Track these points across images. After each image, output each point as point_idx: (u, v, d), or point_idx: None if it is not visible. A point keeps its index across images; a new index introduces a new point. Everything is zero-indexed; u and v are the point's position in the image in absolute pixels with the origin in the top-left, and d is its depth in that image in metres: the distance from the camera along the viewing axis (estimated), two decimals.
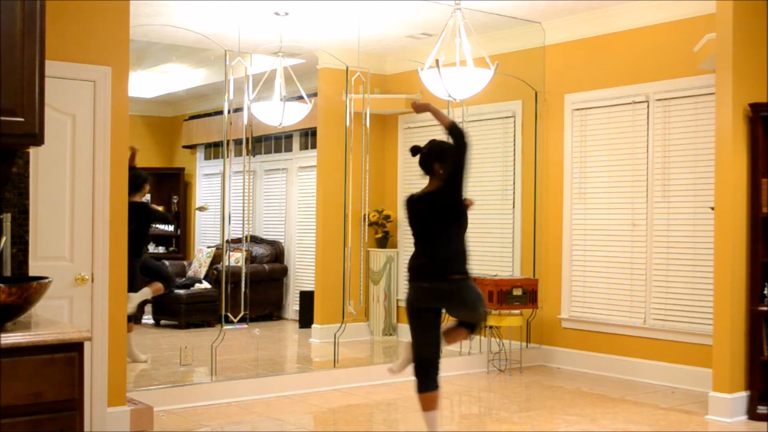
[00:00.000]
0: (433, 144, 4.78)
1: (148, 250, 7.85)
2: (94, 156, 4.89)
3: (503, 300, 7.12)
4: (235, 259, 8.58)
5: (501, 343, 7.47)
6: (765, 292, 5.81)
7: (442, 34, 6.15)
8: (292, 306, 10.10)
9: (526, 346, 7.75)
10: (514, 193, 8.01)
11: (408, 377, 7.10)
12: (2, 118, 2.87)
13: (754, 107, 5.78)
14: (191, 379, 6.80)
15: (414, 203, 4.74)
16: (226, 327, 6.80)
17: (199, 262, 10.18)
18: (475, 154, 8.19)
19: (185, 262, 10.55)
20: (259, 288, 9.17)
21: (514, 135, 8.02)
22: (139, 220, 7.03)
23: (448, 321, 4.84)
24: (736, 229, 5.76)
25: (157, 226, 9.66)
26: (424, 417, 4.81)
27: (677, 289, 6.84)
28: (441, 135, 4.81)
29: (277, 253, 10.24)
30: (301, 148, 10.28)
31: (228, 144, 6.89)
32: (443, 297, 4.63)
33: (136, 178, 7.00)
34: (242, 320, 7.00)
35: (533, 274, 7.78)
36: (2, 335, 2.56)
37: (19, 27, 2.91)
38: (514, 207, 8.01)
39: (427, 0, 6.96)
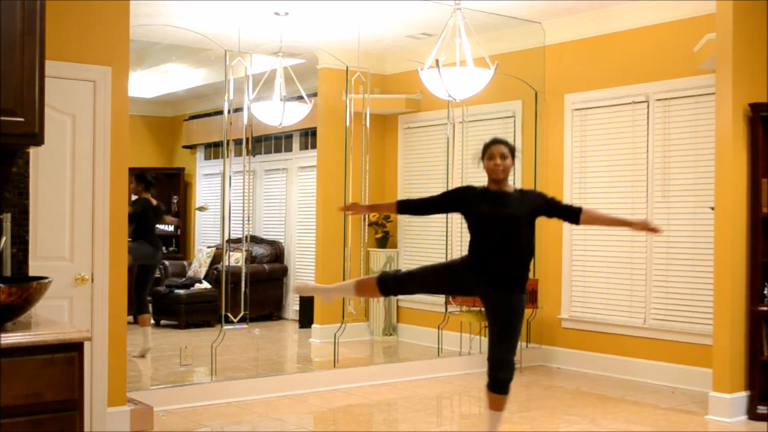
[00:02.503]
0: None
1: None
2: (94, 156, 4.89)
3: None
4: (235, 259, 8.58)
5: None
6: (765, 292, 5.81)
7: (442, 34, 6.15)
8: (292, 306, 10.09)
9: (526, 346, 7.74)
10: None
11: (405, 377, 7.13)
12: (2, 118, 2.87)
13: (754, 107, 5.78)
14: (191, 379, 6.81)
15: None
16: (226, 327, 6.80)
17: (199, 262, 10.19)
18: (474, 154, 8.23)
19: (185, 262, 10.55)
20: (259, 288, 9.17)
21: (514, 135, 8.01)
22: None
23: None
24: (736, 229, 5.76)
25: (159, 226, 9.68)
26: None
27: (677, 289, 6.84)
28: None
29: (277, 253, 10.24)
30: (301, 148, 10.28)
31: (228, 144, 6.89)
32: None
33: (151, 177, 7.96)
34: (242, 320, 7.00)
35: (533, 274, 7.77)
36: (2, 335, 2.56)
37: (19, 27, 2.91)
38: None
39: (427, 0, 6.96)
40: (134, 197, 7.80)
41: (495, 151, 4.66)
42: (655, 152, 7.00)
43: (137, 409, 5.23)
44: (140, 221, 7.71)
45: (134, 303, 7.70)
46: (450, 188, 4.69)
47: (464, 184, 4.72)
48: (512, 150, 4.70)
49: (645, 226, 4.69)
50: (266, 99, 7.99)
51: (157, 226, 8.25)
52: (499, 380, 4.62)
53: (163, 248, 10.37)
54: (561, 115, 7.73)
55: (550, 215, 4.68)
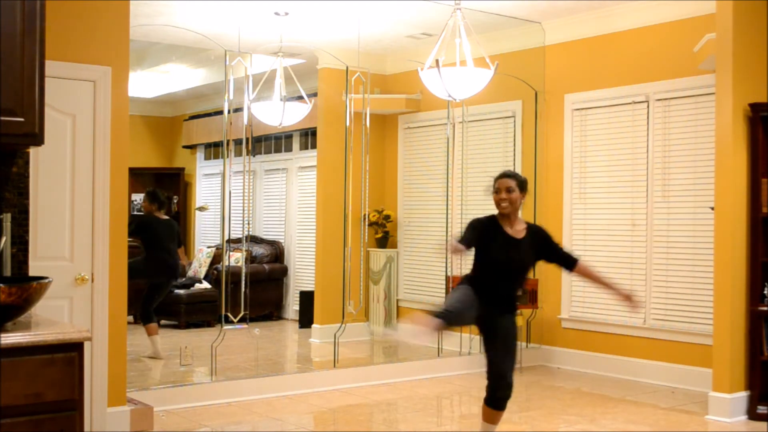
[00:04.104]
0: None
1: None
2: (94, 156, 4.89)
3: None
4: (235, 259, 8.58)
5: None
6: (765, 292, 5.81)
7: (442, 34, 6.14)
8: (292, 306, 10.09)
9: (526, 346, 7.74)
10: None
11: (405, 377, 7.13)
12: (2, 118, 2.87)
13: (754, 107, 5.78)
14: (191, 379, 6.80)
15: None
16: (226, 327, 6.80)
17: (199, 262, 10.18)
18: (475, 153, 8.25)
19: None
20: (259, 288, 9.17)
21: (514, 135, 8.01)
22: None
23: None
24: (736, 229, 5.77)
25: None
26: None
27: (677, 289, 6.84)
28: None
29: (277, 253, 10.24)
30: (301, 148, 10.28)
31: (228, 144, 6.89)
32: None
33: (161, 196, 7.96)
34: (242, 320, 7.00)
35: (533, 274, 7.77)
36: (2, 335, 2.56)
37: (19, 27, 2.91)
38: None
39: (427, 0, 6.96)
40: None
41: (501, 185, 4.64)
42: (655, 152, 7.00)
43: (137, 409, 5.23)
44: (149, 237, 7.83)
45: (141, 313, 7.77)
46: (466, 227, 4.72)
47: (474, 219, 4.72)
48: (521, 183, 4.64)
49: (628, 300, 4.87)
50: (266, 99, 7.99)
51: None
52: (497, 398, 4.85)
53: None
54: (561, 115, 7.73)
55: (549, 261, 4.83)
